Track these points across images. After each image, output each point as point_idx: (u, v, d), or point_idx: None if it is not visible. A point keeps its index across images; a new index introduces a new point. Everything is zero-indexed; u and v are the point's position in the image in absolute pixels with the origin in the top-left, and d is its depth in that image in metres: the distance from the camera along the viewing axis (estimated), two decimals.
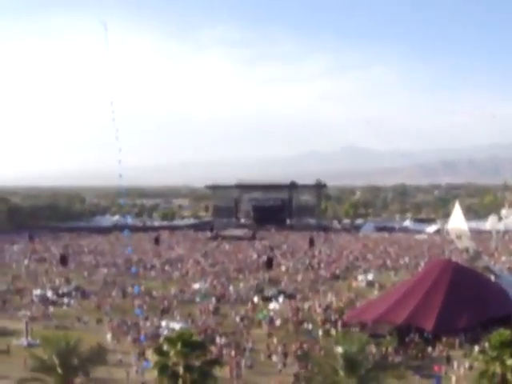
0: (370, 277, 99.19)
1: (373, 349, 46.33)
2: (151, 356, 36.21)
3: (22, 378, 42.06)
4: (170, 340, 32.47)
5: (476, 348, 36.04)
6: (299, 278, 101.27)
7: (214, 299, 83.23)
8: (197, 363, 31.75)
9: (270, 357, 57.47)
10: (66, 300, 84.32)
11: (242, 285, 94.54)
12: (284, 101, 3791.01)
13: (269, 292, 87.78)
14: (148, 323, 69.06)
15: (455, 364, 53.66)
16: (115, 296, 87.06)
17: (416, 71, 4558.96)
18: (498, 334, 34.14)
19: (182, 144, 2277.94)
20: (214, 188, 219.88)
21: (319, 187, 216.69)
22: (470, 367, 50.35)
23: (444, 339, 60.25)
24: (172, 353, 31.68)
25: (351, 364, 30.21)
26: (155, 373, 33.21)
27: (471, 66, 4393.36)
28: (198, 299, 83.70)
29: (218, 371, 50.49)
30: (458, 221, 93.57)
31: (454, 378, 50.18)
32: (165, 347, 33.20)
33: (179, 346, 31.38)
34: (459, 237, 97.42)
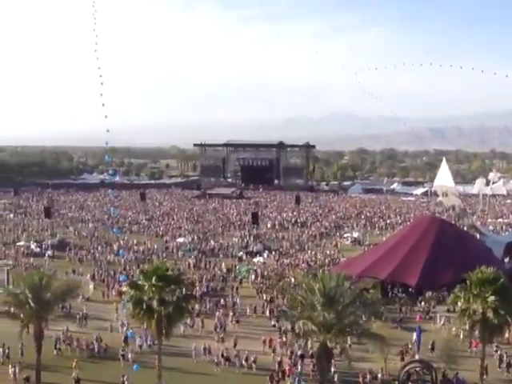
0: (356, 235, 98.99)
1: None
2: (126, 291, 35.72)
3: None
4: (145, 274, 31.87)
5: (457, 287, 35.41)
6: (285, 234, 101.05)
7: (196, 253, 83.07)
8: (172, 297, 31.24)
9: (255, 312, 57.22)
10: (49, 252, 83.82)
11: (227, 240, 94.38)
12: (274, 63, 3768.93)
13: (254, 247, 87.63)
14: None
15: (438, 318, 53.70)
16: (99, 249, 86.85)
17: (412, 36, 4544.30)
18: (480, 271, 33.78)
19: (171, 106, 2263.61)
20: (203, 147, 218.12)
21: (307, 148, 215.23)
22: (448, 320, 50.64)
23: (427, 294, 60.14)
24: (147, 287, 31.15)
25: (329, 299, 29.77)
26: (130, 308, 32.76)
27: (468, 31, 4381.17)
28: (181, 253, 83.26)
29: (202, 324, 50.88)
30: (444, 178, 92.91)
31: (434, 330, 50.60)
32: (140, 281, 32.67)
33: (154, 279, 30.84)
34: (445, 194, 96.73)
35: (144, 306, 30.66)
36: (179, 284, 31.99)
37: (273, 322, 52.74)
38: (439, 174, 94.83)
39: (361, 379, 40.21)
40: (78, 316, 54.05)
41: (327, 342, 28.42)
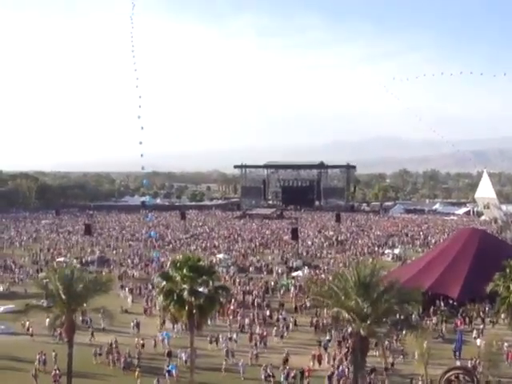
0: (397, 251, 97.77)
1: None
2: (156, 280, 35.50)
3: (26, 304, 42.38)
4: (176, 264, 31.26)
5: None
6: (325, 251, 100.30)
7: (235, 268, 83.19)
8: (203, 289, 30.63)
9: (296, 324, 56.34)
10: (89, 268, 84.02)
11: (266, 257, 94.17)
12: (313, 89, 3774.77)
13: (293, 263, 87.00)
14: None
15: (479, 330, 52.56)
16: (138, 266, 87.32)
17: (449, 59, 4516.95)
18: None
19: (208, 132, 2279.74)
20: (243, 168, 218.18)
21: (348, 169, 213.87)
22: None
23: (469, 306, 59.00)
24: (178, 278, 30.57)
25: (363, 286, 28.99)
26: (160, 299, 32.29)
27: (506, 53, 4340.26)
28: (219, 268, 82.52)
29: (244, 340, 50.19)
30: (486, 191, 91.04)
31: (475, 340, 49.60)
32: (170, 272, 32.15)
33: (185, 270, 30.27)
34: (487, 206, 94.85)
35: (175, 297, 30.08)
36: (211, 275, 31.33)
37: (326, 338, 50.39)
38: (480, 187, 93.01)
39: None
40: (131, 324, 54.54)
41: (361, 331, 27.56)
